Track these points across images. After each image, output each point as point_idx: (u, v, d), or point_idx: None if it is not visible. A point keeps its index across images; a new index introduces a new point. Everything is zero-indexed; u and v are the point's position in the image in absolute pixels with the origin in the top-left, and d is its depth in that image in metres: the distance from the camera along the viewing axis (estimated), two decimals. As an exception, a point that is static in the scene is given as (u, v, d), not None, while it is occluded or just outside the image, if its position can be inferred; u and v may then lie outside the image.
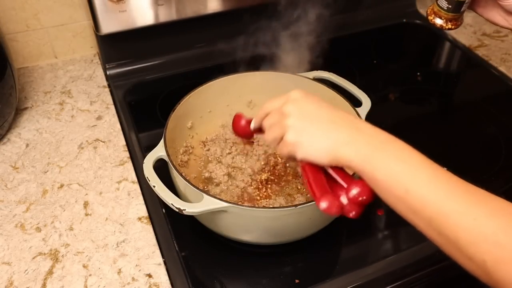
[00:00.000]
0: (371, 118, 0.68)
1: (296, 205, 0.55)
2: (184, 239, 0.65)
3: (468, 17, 1.11)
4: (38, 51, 0.95)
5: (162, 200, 0.56)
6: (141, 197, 0.70)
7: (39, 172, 0.74)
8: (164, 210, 0.68)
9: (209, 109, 0.75)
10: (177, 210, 0.54)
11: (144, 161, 0.59)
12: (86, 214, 0.68)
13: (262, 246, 0.64)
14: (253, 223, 0.57)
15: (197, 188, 0.56)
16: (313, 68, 0.76)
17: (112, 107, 0.87)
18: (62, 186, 0.72)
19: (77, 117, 0.84)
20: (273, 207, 0.62)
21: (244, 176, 0.71)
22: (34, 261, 0.62)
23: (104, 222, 0.67)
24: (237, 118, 0.62)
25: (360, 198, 0.47)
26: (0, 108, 0.76)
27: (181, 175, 0.58)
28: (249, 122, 0.60)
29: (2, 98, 0.76)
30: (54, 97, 0.89)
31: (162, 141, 0.62)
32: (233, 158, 0.73)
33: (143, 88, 0.92)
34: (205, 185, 0.70)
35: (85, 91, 0.90)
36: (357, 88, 0.72)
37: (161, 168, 0.60)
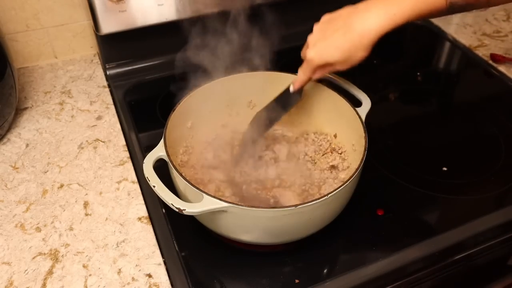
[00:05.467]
0: (371, 118, 0.68)
1: (296, 205, 0.55)
2: (184, 239, 0.65)
3: (468, 17, 1.11)
4: (38, 51, 0.95)
5: (162, 200, 0.56)
6: (141, 197, 0.70)
7: (39, 172, 0.74)
8: (164, 210, 0.68)
9: (209, 109, 0.75)
10: (177, 210, 0.54)
11: (144, 161, 0.59)
12: (86, 214, 0.68)
13: (262, 246, 0.64)
14: (253, 223, 0.57)
15: (197, 188, 0.56)
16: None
17: (112, 107, 0.87)
18: (62, 186, 0.72)
19: (77, 117, 0.85)
20: (273, 207, 0.62)
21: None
22: (34, 261, 0.62)
23: (104, 222, 0.67)
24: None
25: None
26: (0, 108, 0.76)
27: (181, 175, 0.58)
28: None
29: (2, 98, 0.76)
30: (54, 97, 0.89)
31: (162, 141, 0.62)
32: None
33: (143, 88, 0.92)
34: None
35: (85, 91, 0.90)
36: (357, 88, 0.71)
37: (161, 168, 0.60)
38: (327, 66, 0.63)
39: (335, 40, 0.60)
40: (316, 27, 0.63)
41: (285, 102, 0.71)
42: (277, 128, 0.79)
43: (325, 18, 0.63)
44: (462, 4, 0.57)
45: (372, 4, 0.59)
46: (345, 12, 0.61)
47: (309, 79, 0.66)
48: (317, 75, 0.65)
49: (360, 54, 0.60)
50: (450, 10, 0.57)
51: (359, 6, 0.60)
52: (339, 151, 0.73)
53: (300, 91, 0.69)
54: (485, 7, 0.60)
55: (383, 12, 0.57)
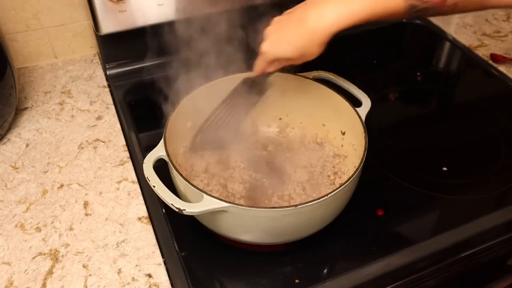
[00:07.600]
0: (371, 118, 0.68)
1: (296, 205, 0.55)
2: (184, 239, 0.65)
3: (468, 17, 1.11)
4: (38, 51, 0.95)
5: (162, 200, 0.56)
6: (141, 197, 0.70)
7: (39, 172, 0.74)
8: (164, 210, 0.68)
9: (209, 109, 0.75)
10: (177, 210, 0.54)
11: (144, 161, 0.59)
12: (86, 214, 0.68)
13: (262, 246, 0.64)
14: (253, 223, 0.57)
15: (197, 188, 0.56)
16: (313, 68, 0.76)
17: (112, 107, 0.87)
18: (62, 186, 0.72)
19: (77, 117, 0.85)
20: (273, 207, 0.62)
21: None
22: (34, 261, 0.62)
23: (104, 222, 0.67)
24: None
25: None
26: (0, 108, 0.76)
27: (181, 175, 0.58)
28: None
29: (2, 98, 0.76)
30: (54, 97, 0.89)
31: (162, 141, 0.62)
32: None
33: (143, 88, 0.92)
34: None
35: (85, 91, 0.90)
36: (357, 88, 0.71)
37: (161, 168, 0.60)
38: (282, 60, 0.60)
39: (288, 34, 0.56)
40: (275, 19, 0.60)
41: (255, 87, 0.69)
42: (277, 128, 0.79)
43: (288, 10, 0.59)
44: (422, 8, 0.53)
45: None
46: (303, 4, 0.57)
47: (265, 71, 0.63)
48: (272, 68, 0.63)
49: (312, 51, 0.56)
50: (410, 11, 0.53)
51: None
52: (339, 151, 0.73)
53: (264, 82, 0.67)
54: (451, 13, 0.55)
55: (341, 8, 0.53)
